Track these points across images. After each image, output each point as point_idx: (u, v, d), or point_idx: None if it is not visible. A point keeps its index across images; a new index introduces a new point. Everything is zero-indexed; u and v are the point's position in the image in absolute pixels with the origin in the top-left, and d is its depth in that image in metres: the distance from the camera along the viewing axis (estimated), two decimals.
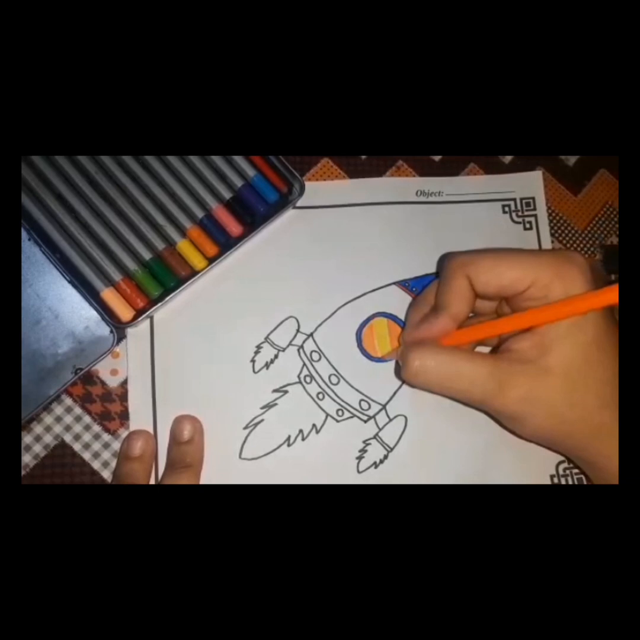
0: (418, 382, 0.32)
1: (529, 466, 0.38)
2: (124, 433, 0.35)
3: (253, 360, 0.37)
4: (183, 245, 0.36)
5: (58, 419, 0.35)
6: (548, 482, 0.38)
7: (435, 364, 0.31)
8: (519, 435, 0.33)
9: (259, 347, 0.37)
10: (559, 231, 0.43)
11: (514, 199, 0.42)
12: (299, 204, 0.39)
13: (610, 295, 0.28)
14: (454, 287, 0.32)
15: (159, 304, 0.35)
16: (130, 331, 0.36)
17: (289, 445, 0.36)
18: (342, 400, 0.37)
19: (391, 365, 0.38)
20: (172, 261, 0.36)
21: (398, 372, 0.38)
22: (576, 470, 0.38)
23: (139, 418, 0.35)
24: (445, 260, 0.33)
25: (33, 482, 0.34)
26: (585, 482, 0.38)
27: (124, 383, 0.36)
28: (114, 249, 0.36)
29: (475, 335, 0.32)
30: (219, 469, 0.35)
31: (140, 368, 0.36)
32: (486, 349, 0.36)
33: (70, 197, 0.36)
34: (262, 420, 0.36)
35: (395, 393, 0.38)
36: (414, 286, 0.39)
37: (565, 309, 0.29)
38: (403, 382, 0.38)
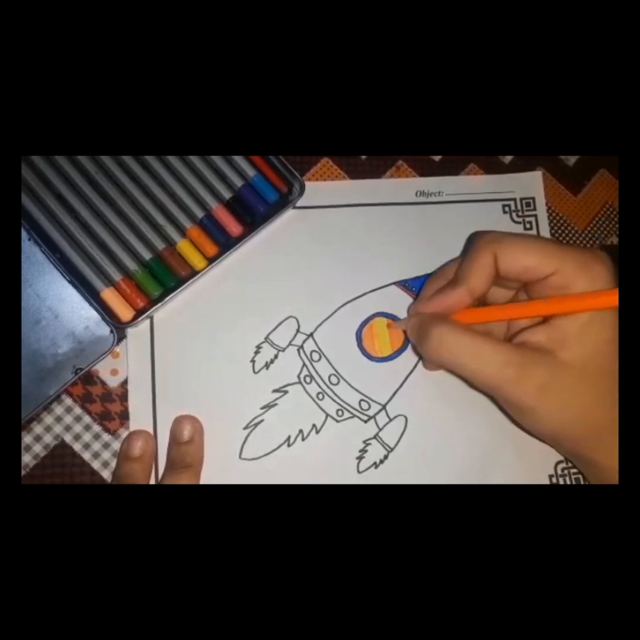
0: (436, 357, 0.32)
1: (528, 466, 0.38)
2: (124, 433, 0.35)
3: (253, 360, 0.37)
4: (183, 245, 0.36)
5: (58, 419, 0.35)
6: (547, 482, 0.38)
7: (455, 341, 0.31)
8: (528, 428, 0.33)
9: (259, 347, 0.37)
10: (559, 231, 0.43)
11: (514, 199, 0.42)
12: (299, 204, 0.39)
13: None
14: (478, 262, 0.32)
15: (159, 304, 0.35)
16: (130, 331, 0.36)
17: (289, 445, 0.36)
18: (342, 401, 0.37)
19: (391, 365, 0.38)
20: (172, 261, 0.36)
21: (399, 371, 0.38)
22: (574, 470, 0.38)
23: (139, 418, 0.35)
24: (474, 237, 0.33)
25: (33, 482, 0.34)
26: (582, 482, 0.38)
27: (124, 383, 0.36)
28: (114, 249, 0.36)
29: (489, 316, 0.32)
30: (219, 469, 0.35)
31: (140, 368, 0.36)
32: None
33: (70, 197, 0.36)
34: (262, 421, 0.36)
35: (395, 393, 0.38)
36: (414, 286, 0.39)
37: (588, 302, 0.29)
38: (408, 375, 0.38)
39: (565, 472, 0.38)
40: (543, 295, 0.31)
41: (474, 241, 0.33)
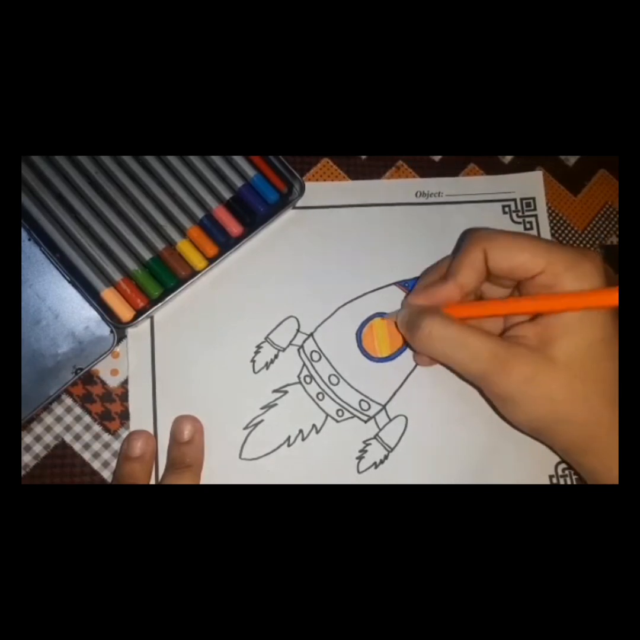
0: (424, 348, 0.33)
1: (528, 466, 0.38)
2: (124, 433, 0.35)
3: (253, 361, 0.37)
4: (183, 245, 0.36)
5: (58, 419, 0.35)
6: (547, 482, 0.38)
7: (444, 332, 0.31)
8: (511, 420, 0.33)
9: (259, 347, 0.37)
10: (559, 231, 0.43)
11: (514, 200, 0.42)
12: (299, 204, 0.39)
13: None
14: (468, 257, 0.32)
15: (159, 304, 0.35)
16: (130, 331, 0.36)
17: (289, 445, 0.36)
18: (342, 401, 0.37)
19: (391, 365, 0.38)
20: (172, 261, 0.36)
21: (399, 371, 0.38)
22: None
23: (139, 418, 0.35)
24: (467, 233, 0.33)
25: (33, 482, 0.34)
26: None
27: (124, 383, 0.36)
28: (114, 249, 0.36)
29: (478, 311, 0.33)
30: (219, 469, 0.35)
31: (141, 368, 0.36)
32: None
33: (70, 197, 0.36)
34: (262, 421, 0.36)
35: (395, 393, 0.38)
36: (414, 287, 0.39)
37: (575, 301, 0.29)
38: (408, 375, 0.38)
39: (566, 472, 0.38)
40: (532, 293, 0.31)
41: (466, 237, 0.33)
